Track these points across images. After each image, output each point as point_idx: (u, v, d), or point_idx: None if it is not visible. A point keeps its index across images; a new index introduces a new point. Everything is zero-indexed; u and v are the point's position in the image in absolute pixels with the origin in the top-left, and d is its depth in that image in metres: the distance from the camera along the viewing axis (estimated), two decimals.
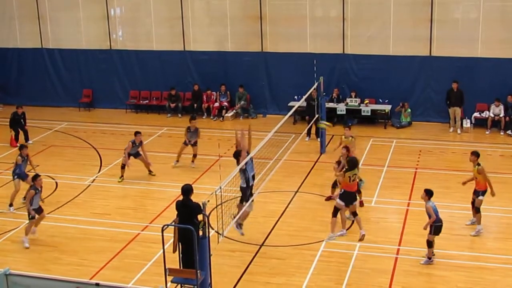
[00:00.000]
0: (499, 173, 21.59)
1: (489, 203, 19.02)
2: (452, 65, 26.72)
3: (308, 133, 25.39)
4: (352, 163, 17.16)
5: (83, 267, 16.05)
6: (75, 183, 21.54)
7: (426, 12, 26.73)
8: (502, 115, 26.00)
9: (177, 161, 22.84)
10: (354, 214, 17.16)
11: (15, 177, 19.84)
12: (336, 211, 17.05)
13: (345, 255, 16.30)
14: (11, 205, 19.61)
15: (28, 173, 20.17)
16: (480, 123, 26.58)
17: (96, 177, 22.15)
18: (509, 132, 25.78)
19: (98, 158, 24.00)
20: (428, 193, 15.67)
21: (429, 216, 15.51)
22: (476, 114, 26.73)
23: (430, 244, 15.67)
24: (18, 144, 24.87)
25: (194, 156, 22.70)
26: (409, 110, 27.18)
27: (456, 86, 26.01)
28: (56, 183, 21.53)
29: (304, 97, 23.60)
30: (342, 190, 17.05)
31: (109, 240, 17.39)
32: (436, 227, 15.56)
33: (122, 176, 21.49)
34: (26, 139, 25.74)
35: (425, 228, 15.74)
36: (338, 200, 17.07)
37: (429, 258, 15.72)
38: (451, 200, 19.46)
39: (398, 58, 27.39)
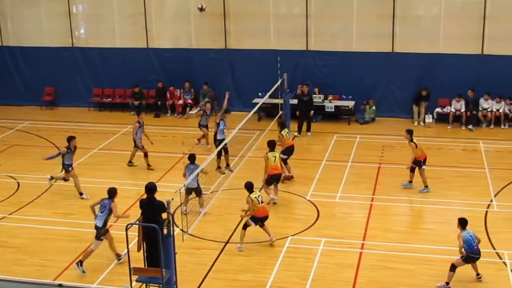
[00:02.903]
0: (461, 167, 21.90)
1: (452, 197, 19.34)
2: (414, 61, 26.99)
3: (301, 129, 25.72)
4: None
5: (47, 268, 15.85)
6: (38, 182, 21.26)
7: (388, 8, 26.93)
8: (463, 110, 26.34)
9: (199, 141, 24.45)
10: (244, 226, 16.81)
11: (69, 169, 19.91)
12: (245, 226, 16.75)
13: (311, 250, 16.36)
14: (81, 194, 19.99)
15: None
16: (442, 118, 26.89)
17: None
18: (470, 126, 26.11)
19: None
20: (461, 223, 14.95)
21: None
22: (438, 110, 27.04)
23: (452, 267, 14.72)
24: None
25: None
26: (374, 107, 27.37)
27: (426, 93, 26.52)
28: (18, 183, 21.26)
29: (268, 93, 23.62)
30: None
31: (73, 240, 17.20)
32: (468, 256, 14.64)
33: (149, 164, 22.05)
34: None
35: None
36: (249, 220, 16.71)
37: (447, 283, 14.65)
38: (414, 194, 19.68)
39: (361, 54, 27.56)
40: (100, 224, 15.62)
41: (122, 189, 20.49)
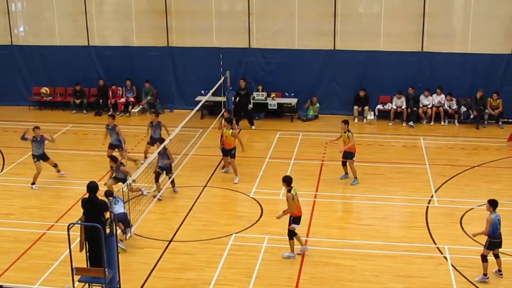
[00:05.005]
0: (402, 163, 22.24)
1: (393, 193, 19.62)
2: (355, 59, 27.33)
3: (239, 123, 26.10)
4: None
5: None
6: None
7: (330, 6, 27.19)
8: (404, 107, 26.76)
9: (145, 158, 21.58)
10: None
11: (35, 159, 20.60)
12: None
13: (254, 248, 16.41)
14: (33, 183, 20.45)
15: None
16: (384, 115, 27.29)
17: None
18: (411, 123, 26.55)
19: (0, 157, 23.30)
20: (492, 204, 14.67)
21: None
22: (380, 106, 27.42)
23: (484, 258, 14.75)
24: None
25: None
26: (318, 105, 27.61)
27: (363, 93, 26.94)
28: None
29: (211, 91, 23.62)
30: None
31: (14, 240, 16.90)
32: (491, 242, 14.68)
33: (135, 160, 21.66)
34: None
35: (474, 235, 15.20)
36: None
37: (484, 275, 14.75)
38: (357, 190, 19.91)
39: (303, 52, 27.75)
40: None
41: (63, 189, 20.34)
